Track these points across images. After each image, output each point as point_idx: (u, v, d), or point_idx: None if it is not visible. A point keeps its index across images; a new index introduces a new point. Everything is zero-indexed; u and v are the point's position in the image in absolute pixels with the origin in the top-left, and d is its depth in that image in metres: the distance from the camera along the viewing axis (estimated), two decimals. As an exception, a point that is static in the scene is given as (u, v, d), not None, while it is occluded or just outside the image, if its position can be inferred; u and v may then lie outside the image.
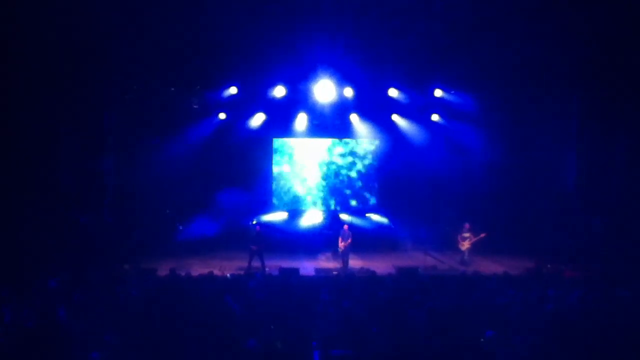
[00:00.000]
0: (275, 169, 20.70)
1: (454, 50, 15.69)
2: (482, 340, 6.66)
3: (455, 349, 6.18)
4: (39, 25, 12.65)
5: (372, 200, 20.86)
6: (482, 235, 16.04)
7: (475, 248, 16.26)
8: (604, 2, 13.48)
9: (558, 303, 8.40)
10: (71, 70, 14.50)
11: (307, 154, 20.82)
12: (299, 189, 20.70)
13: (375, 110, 19.77)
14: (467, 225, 16.38)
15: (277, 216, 20.45)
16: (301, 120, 19.95)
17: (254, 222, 19.31)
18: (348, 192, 20.78)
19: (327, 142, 20.87)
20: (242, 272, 13.63)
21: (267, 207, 20.52)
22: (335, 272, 14.84)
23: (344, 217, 19.51)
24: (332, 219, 19.83)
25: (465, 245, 16.22)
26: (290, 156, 20.82)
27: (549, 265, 14.87)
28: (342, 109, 19.53)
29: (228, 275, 13.00)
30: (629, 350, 6.13)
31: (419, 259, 16.47)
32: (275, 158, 20.72)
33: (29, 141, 13.92)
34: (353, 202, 20.77)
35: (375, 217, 20.59)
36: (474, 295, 9.50)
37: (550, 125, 17.87)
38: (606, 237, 15.56)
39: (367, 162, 20.85)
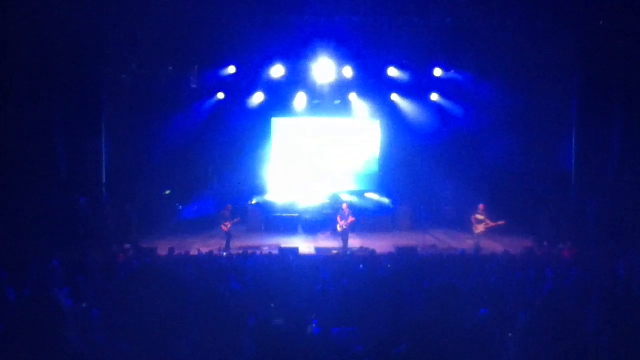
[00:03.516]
0: (275, 148, 20.66)
1: (454, 30, 15.57)
2: (478, 318, 6.70)
3: (453, 327, 6.22)
4: (33, 6, 12.51)
5: (372, 180, 20.86)
6: (501, 222, 14.86)
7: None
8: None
9: (556, 282, 8.44)
10: (67, 50, 14.37)
11: (307, 133, 20.76)
12: (298, 168, 20.66)
13: (375, 90, 19.70)
14: (481, 206, 15.11)
15: (277, 196, 20.46)
16: (300, 100, 19.88)
17: (253, 202, 19.41)
18: (348, 171, 20.75)
19: (326, 121, 20.81)
20: (240, 252, 13.66)
21: (267, 187, 20.52)
22: (335, 252, 14.88)
23: (344, 196, 19.52)
24: (331, 198, 19.85)
25: (479, 229, 14.90)
26: (290, 135, 20.77)
27: (545, 243, 14.91)
28: (341, 88, 19.46)
29: (224, 254, 13.05)
30: (626, 328, 6.17)
31: (418, 239, 16.52)
32: (275, 137, 20.67)
33: (25, 123, 13.84)
34: (352, 181, 20.75)
35: (375, 197, 20.60)
36: (473, 274, 9.55)
37: (550, 106, 17.79)
38: (602, 218, 15.55)
39: (366, 141, 20.80)
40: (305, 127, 20.76)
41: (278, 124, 20.69)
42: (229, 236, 15.48)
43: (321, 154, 20.65)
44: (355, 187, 20.66)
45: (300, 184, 20.52)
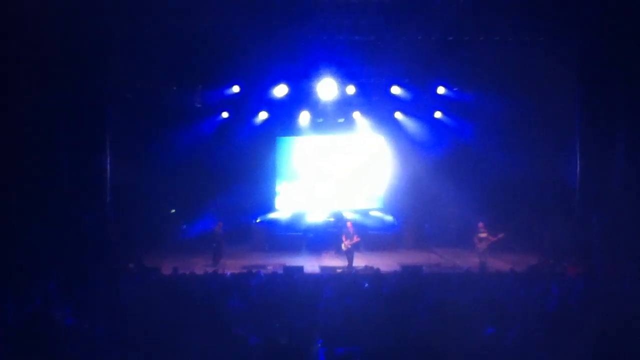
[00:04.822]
0: (279, 167, 20.71)
1: (456, 48, 15.66)
2: (485, 336, 6.66)
3: (458, 345, 6.18)
4: (40, 22, 12.65)
5: (376, 198, 20.84)
6: (500, 235, 14.94)
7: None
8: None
9: (562, 299, 8.38)
10: (73, 68, 14.51)
11: (311, 151, 20.82)
12: (303, 187, 20.68)
13: (378, 108, 19.80)
14: (481, 224, 15.26)
15: (281, 214, 20.47)
16: (304, 118, 19.98)
17: (258, 220, 19.42)
18: (352, 189, 20.74)
19: (330, 139, 20.87)
20: (244, 271, 13.63)
21: (271, 205, 20.54)
22: (339, 270, 14.83)
23: (348, 215, 19.49)
24: (336, 217, 19.82)
25: (482, 246, 15.02)
26: (294, 154, 20.83)
27: (551, 261, 14.82)
28: (345, 106, 19.56)
29: (228, 273, 12.99)
30: (633, 344, 6.11)
31: (423, 257, 16.45)
32: (279, 156, 20.73)
33: (30, 139, 13.92)
34: (357, 200, 20.73)
35: (380, 215, 20.58)
36: (478, 292, 9.49)
37: (553, 121, 17.80)
38: (607, 233, 15.46)
39: (370, 159, 20.82)
40: (310, 145, 20.83)
41: (282, 143, 20.78)
42: (217, 253, 15.75)
43: (325, 172, 20.69)
44: (359, 204, 20.64)
45: (305, 202, 20.54)
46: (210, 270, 13.19)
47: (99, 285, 9.67)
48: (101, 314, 7.44)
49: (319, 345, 6.82)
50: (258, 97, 18.91)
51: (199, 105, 18.75)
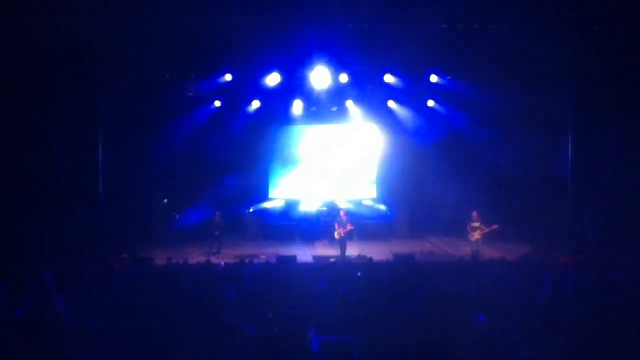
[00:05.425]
0: (272, 156, 20.68)
1: (450, 36, 15.61)
2: (477, 325, 6.70)
3: (451, 333, 6.22)
4: (31, 17, 12.54)
5: (369, 187, 20.86)
6: (494, 226, 14.82)
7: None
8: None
9: (553, 288, 8.44)
10: (64, 60, 14.41)
11: (304, 140, 20.79)
12: (296, 176, 20.67)
13: (372, 97, 19.75)
14: (474, 214, 15.15)
15: (274, 203, 20.47)
16: (297, 107, 19.92)
17: (251, 210, 19.42)
18: (345, 178, 20.75)
19: (323, 128, 20.83)
20: (238, 260, 13.65)
21: (265, 195, 20.54)
22: (332, 259, 14.87)
23: (341, 204, 19.52)
24: (329, 206, 19.85)
25: (475, 236, 14.91)
26: (287, 143, 20.79)
27: (542, 250, 14.91)
28: (338, 95, 19.51)
29: (222, 263, 13.02)
30: (624, 334, 6.18)
31: (416, 245, 16.51)
32: (272, 145, 20.68)
33: (24, 132, 13.84)
34: (350, 189, 20.75)
35: (372, 204, 20.62)
36: (470, 280, 9.55)
37: (546, 113, 17.81)
38: (599, 224, 15.55)
39: (363, 148, 20.81)
40: (303, 134, 20.80)
41: (275, 131, 20.73)
42: (219, 241, 16.12)
43: (318, 161, 20.68)
44: (352, 193, 20.66)
45: (298, 191, 20.54)
46: (203, 259, 13.22)
47: (93, 277, 9.65)
48: (95, 306, 7.43)
49: (312, 334, 6.84)
50: (250, 85, 18.80)
51: (191, 94, 18.62)
